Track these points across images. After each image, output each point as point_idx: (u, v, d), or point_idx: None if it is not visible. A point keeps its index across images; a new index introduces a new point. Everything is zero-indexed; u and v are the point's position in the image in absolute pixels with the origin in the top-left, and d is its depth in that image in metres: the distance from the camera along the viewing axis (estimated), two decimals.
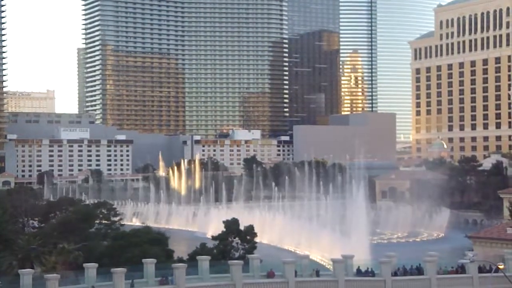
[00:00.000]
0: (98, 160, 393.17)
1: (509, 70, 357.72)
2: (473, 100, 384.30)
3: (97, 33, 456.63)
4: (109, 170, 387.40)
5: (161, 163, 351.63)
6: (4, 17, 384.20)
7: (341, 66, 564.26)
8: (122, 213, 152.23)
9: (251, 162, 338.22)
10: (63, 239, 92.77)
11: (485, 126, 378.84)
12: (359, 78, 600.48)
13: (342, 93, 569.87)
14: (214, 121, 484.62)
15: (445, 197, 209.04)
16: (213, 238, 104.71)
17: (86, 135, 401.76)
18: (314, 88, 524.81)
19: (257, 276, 68.06)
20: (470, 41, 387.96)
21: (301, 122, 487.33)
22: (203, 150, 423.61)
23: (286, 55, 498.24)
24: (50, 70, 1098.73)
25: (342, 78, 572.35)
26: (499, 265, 68.04)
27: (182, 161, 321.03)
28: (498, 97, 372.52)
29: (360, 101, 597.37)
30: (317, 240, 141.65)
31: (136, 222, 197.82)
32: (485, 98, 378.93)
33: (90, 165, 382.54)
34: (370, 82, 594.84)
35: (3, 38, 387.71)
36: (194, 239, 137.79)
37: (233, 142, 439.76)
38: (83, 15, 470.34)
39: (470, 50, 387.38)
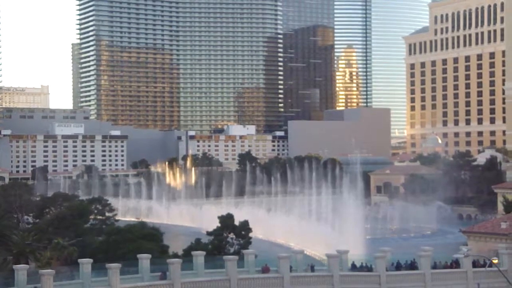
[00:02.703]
0: (92, 156, 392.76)
1: (503, 65, 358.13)
2: (468, 95, 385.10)
3: (91, 28, 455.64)
4: (104, 165, 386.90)
5: (156, 159, 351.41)
6: None
7: (335, 61, 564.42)
8: (116, 208, 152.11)
9: (246, 158, 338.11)
10: (58, 235, 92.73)
11: (480, 121, 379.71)
12: (354, 73, 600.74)
13: (337, 88, 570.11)
14: (209, 116, 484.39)
15: (440, 192, 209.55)
16: (208, 233, 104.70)
17: (80, 130, 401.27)
18: (308, 83, 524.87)
19: (252, 271, 68.22)
20: (465, 36, 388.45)
21: (296, 117, 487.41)
22: (198, 146, 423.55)
23: (281, 50, 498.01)
24: (45, 65, 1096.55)
25: (337, 73, 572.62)
26: (493, 259, 68.34)
27: (172, 157, 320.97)
28: (492, 92, 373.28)
29: (354, 96, 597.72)
30: (312, 235, 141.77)
31: (130, 218, 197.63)
32: (480, 93, 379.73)
33: (84, 161, 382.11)
34: (364, 77, 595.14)
35: None
36: (189, 235, 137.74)
37: (228, 138, 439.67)
38: (78, 10, 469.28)
39: (465, 45, 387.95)
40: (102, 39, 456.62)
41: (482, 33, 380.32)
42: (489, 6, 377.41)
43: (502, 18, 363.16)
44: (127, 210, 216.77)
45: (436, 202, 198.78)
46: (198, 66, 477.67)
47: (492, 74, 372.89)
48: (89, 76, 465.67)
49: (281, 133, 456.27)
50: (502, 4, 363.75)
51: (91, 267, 62.97)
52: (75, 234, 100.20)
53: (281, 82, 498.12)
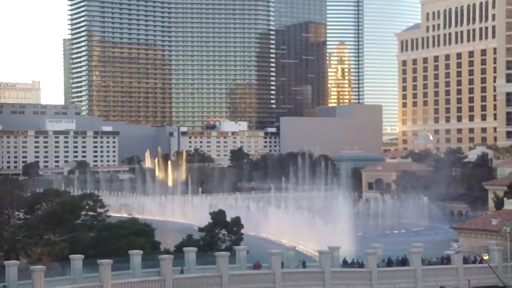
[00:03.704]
0: (84, 152, 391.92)
1: (494, 62, 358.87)
2: (459, 92, 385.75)
3: (83, 23, 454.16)
4: (95, 161, 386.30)
5: (148, 155, 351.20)
6: None
7: (327, 58, 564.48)
8: (108, 204, 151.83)
9: (238, 154, 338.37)
10: (49, 231, 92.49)
11: (471, 118, 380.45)
12: (346, 70, 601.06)
13: (329, 85, 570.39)
14: (200, 112, 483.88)
15: (431, 188, 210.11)
16: (200, 229, 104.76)
17: (72, 126, 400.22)
18: (301, 80, 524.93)
19: (244, 267, 68.31)
20: (456, 33, 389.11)
21: (288, 113, 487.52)
22: (190, 142, 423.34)
23: (273, 46, 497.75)
24: (36, 60, 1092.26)
25: (329, 69, 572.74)
26: (483, 256, 68.63)
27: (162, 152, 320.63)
28: (483, 89, 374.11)
29: (346, 93, 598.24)
30: (303, 231, 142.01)
31: (122, 214, 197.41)
32: (471, 90, 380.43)
33: (76, 157, 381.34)
34: (356, 74, 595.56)
35: None
36: (181, 231, 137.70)
37: (219, 134, 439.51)
38: (69, 5, 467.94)
39: (456, 42, 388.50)
40: (94, 34, 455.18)
41: (474, 30, 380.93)
42: (481, 3, 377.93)
43: (493, 15, 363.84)
44: (118, 206, 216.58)
45: (427, 199, 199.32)
46: (190, 62, 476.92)
47: (483, 71, 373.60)
48: (80, 71, 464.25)
49: (273, 130, 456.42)
50: (493, 1, 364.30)
51: (82, 263, 62.88)
52: (66, 230, 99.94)
53: (273, 78, 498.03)
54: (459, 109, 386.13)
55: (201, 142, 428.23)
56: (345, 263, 72.09)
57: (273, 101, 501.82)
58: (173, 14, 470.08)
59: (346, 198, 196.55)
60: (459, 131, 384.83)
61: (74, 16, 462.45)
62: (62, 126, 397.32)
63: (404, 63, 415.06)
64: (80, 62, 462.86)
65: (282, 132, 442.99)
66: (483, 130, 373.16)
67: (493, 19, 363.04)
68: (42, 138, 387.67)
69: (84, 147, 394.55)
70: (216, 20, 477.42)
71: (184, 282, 64.42)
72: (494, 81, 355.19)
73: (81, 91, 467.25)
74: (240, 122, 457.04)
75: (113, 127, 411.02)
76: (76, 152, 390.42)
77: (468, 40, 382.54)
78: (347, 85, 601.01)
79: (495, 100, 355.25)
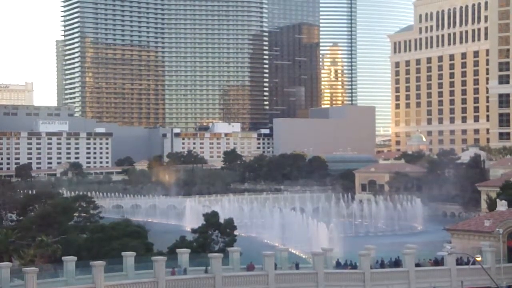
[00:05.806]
0: (77, 153, 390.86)
1: (487, 64, 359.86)
2: (452, 93, 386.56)
3: (76, 25, 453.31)
4: (88, 163, 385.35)
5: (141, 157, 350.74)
6: None
7: (321, 59, 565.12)
8: (101, 206, 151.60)
9: (231, 155, 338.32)
10: (42, 232, 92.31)
11: (464, 120, 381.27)
12: (339, 71, 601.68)
13: (322, 86, 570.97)
14: (194, 114, 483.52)
15: (424, 189, 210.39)
16: (193, 231, 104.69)
17: (65, 127, 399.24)
18: (294, 81, 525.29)
19: (237, 268, 68.24)
20: (449, 34, 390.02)
21: (281, 115, 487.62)
22: (183, 143, 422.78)
23: (266, 47, 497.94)
24: (29, 62, 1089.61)
25: (322, 71, 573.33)
26: (476, 257, 68.70)
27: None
28: (476, 91, 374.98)
29: (340, 94, 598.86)
30: (297, 232, 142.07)
31: (115, 215, 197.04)
32: (464, 92, 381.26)
33: (69, 158, 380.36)
34: (349, 75, 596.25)
35: None
36: (174, 232, 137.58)
37: (213, 135, 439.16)
38: (62, 6, 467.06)
39: (449, 43, 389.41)
40: (87, 36, 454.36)
41: (466, 31, 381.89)
42: (473, 5, 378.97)
43: (486, 17, 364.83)
44: (111, 208, 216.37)
45: (420, 200, 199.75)
46: (183, 63, 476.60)
47: (476, 73, 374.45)
48: (73, 73, 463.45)
49: (266, 131, 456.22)
50: (486, 3, 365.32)
51: (75, 264, 62.72)
52: (59, 231, 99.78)
53: (266, 79, 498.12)
54: (452, 111, 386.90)
55: (194, 143, 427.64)
56: (338, 265, 72.12)
57: (266, 103, 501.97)
58: (166, 15, 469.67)
59: (339, 199, 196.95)
60: (452, 132, 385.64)
61: (67, 18, 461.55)
62: (55, 128, 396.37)
63: (397, 64, 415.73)
64: (73, 63, 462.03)
65: (275, 133, 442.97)
66: (476, 131, 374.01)
67: (486, 20, 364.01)
68: (35, 140, 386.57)
69: (77, 148, 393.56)
70: (209, 21, 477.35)
71: (177, 284, 64.33)
72: (487, 83, 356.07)
73: (74, 93, 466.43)
74: (233, 123, 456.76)
75: (106, 129, 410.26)
76: (69, 153, 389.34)
77: (461, 42, 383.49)
78: (340, 87, 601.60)
79: (487, 101, 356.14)
